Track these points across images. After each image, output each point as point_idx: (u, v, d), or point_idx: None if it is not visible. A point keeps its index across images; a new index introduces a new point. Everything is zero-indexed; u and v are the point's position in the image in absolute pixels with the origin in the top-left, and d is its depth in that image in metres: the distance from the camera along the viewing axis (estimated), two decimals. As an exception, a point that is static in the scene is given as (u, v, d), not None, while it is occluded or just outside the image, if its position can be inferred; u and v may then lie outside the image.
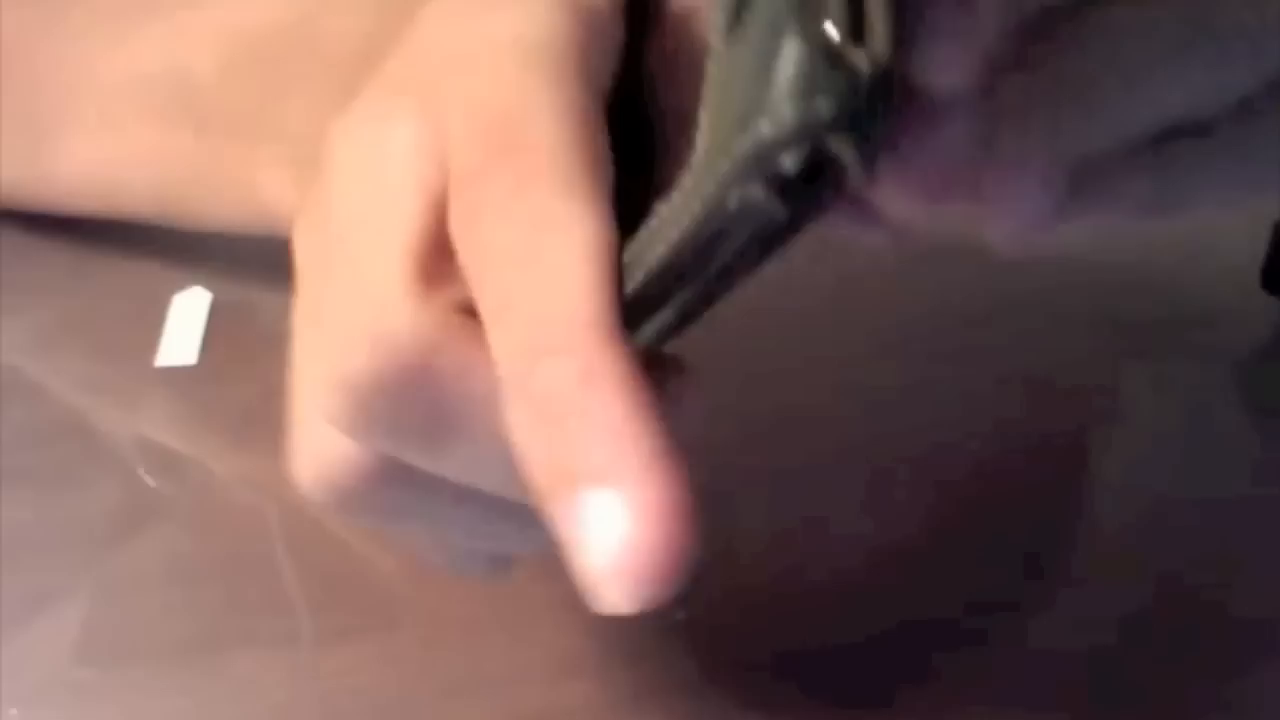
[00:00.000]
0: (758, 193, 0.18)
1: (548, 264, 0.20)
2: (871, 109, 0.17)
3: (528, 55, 0.22)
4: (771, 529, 0.33)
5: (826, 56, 0.17)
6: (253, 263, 0.38)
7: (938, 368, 0.37)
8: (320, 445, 0.23)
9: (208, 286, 0.39)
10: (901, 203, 0.19)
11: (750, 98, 0.17)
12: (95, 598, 0.31)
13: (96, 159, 0.38)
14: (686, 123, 0.21)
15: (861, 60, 0.17)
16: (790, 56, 0.17)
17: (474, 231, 0.21)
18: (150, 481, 0.34)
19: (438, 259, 0.21)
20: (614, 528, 0.19)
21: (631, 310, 0.20)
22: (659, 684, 0.30)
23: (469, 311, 0.21)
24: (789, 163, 0.17)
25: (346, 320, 0.22)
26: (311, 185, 0.27)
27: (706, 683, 0.30)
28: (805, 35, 0.17)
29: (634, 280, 0.20)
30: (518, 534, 0.24)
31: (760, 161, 0.17)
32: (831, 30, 0.17)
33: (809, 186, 0.18)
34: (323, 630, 0.31)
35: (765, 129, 0.17)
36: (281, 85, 0.34)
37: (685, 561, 0.19)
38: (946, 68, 0.17)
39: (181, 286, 0.39)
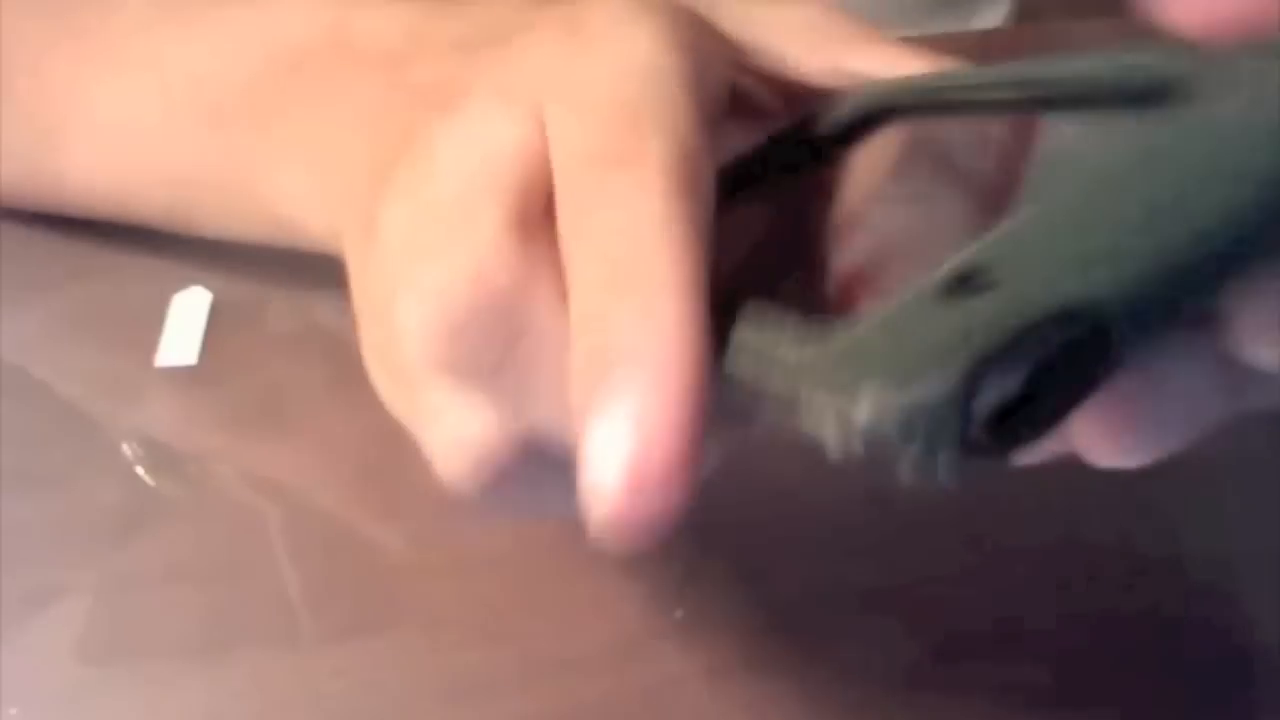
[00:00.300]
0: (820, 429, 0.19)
1: (643, 256, 0.21)
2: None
3: (645, 78, 0.24)
4: (772, 527, 0.33)
5: (962, 433, 0.17)
6: (254, 262, 0.38)
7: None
8: (458, 432, 0.24)
9: (208, 286, 0.39)
10: None
11: (880, 358, 0.18)
12: (95, 597, 0.31)
13: (106, 163, 0.37)
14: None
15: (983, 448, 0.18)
16: (939, 393, 0.17)
17: (578, 220, 0.23)
18: (150, 481, 0.34)
19: (534, 228, 0.23)
20: (625, 433, 0.20)
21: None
22: (659, 684, 0.30)
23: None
24: (853, 442, 0.18)
25: (445, 263, 0.23)
26: (339, 193, 0.28)
27: (707, 682, 0.30)
28: (961, 386, 0.17)
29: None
30: None
31: (838, 419, 0.18)
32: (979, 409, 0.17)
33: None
34: (323, 630, 0.31)
35: (859, 412, 0.18)
36: (311, 91, 0.34)
37: (676, 502, 0.20)
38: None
39: (181, 286, 0.39)
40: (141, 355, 0.37)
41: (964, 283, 0.18)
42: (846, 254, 0.25)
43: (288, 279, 0.37)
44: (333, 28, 0.34)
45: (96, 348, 0.38)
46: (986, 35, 0.64)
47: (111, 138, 0.37)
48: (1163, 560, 0.33)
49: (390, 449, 0.35)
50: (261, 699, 0.30)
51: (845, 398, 0.18)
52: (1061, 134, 0.23)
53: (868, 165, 0.27)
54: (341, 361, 0.35)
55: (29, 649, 0.30)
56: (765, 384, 0.20)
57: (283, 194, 0.34)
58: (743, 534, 0.33)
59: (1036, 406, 0.18)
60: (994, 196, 0.23)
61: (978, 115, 0.25)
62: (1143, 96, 0.21)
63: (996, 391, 0.17)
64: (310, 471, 0.34)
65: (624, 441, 0.20)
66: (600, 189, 0.23)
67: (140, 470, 0.34)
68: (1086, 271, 0.18)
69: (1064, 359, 0.17)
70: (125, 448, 0.35)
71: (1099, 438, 0.20)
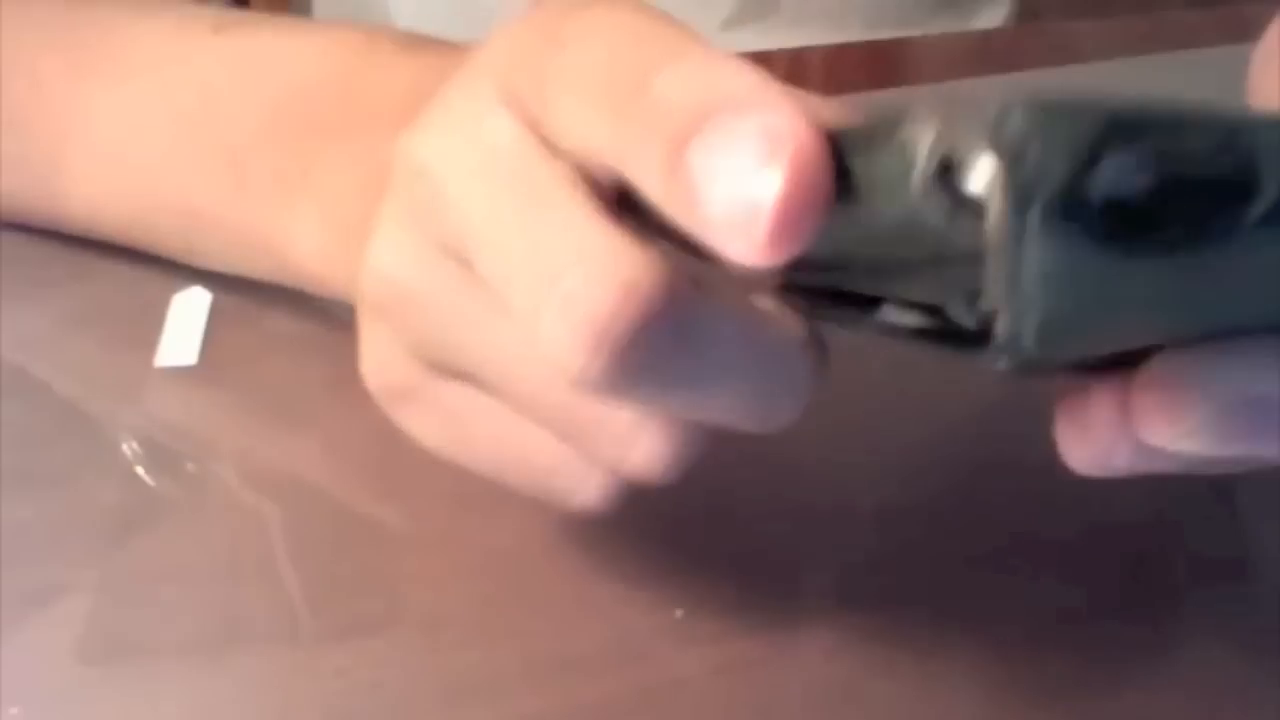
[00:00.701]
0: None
1: (643, 42, 0.21)
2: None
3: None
4: (773, 528, 0.33)
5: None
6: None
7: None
8: (590, 320, 0.22)
9: (208, 286, 0.39)
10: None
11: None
12: (96, 597, 0.31)
13: (109, 190, 0.37)
14: None
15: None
16: (1069, 125, 0.16)
17: (555, 62, 0.23)
18: (150, 481, 0.34)
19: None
20: (755, 151, 0.19)
21: None
22: (659, 684, 0.30)
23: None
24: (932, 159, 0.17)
25: (577, 286, 0.21)
26: (346, 249, 0.28)
27: (707, 682, 0.30)
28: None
29: None
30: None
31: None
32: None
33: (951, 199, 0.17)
34: (323, 630, 0.31)
35: (972, 127, 0.17)
36: (320, 143, 0.34)
37: (816, 208, 0.19)
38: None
39: (181, 286, 0.39)
40: (141, 355, 0.37)
41: None
42: None
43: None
44: (341, 76, 0.35)
45: (96, 348, 0.38)
46: (987, 35, 0.64)
47: (114, 164, 0.37)
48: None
49: (390, 448, 0.35)
50: (261, 699, 0.29)
51: (959, 115, 0.17)
52: None
53: None
54: (342, 361, 0.35)
55: (29, 649, 0.30)
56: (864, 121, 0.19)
57: (295, 245, 0.34)
58: (743, 534, 0.33)
59: (1149, 225, 0.16)
60: None
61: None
62: None
63: (1123, 175, 0.16)
64: (311, 471, 0.34)
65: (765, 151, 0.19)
66: (561, 34, 0.22)
67: (140, 470, 0.34)
68: (1259, 123, 0.17)
69: (1198, 189, 0.16)
70: (125, 448, 0.35)
71: (1158, 408, 0.20)
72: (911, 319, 0.21)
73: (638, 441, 0.25)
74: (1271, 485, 0.34)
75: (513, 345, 0.25)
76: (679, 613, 0.31)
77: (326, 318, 0.37)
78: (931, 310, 0.21)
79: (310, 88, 0.35)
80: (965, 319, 0.19)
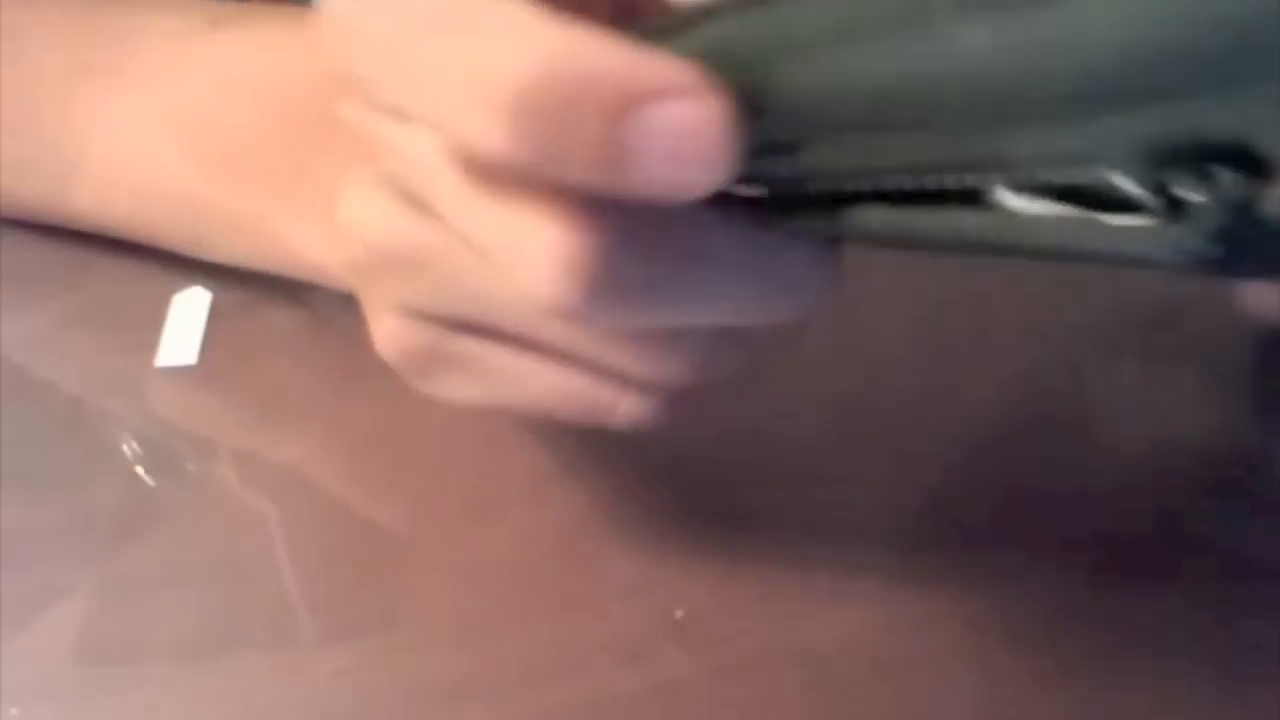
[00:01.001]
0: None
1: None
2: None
3: None
4: (773, 530, 0.33)
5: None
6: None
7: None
8: (556, 250, 0.22)
9: (208, 286, 0.39)
10: None
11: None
12: (95, 597, 0.31)
13: (125, 199, 0.38)
14: None
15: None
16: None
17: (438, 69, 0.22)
18: (150, 481, 0.34)
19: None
20: (675, 118, 0.20)
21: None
22: (659, 684, 0.30)
23: None
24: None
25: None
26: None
27: (707, 682, 0.30)
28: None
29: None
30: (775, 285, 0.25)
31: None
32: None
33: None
34: (323, 630, 0.31)
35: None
36: (319, 135, 0.34)
37: (731, 146, 0.20)
38: None
39: (181, 286, 0.39)
40: (141, 355, 0.37)
41: None
42: None
43: (287, 278, 0.37)
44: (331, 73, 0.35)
45: (96, 348, 0.38)
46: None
47: (122, 161, 0.37)
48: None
49: (390, 448, 0.35)
50: (261, 699, 0.30)
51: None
52: None
53: None
54: (341, 361, 0.35)
55: (29, 648, 0.30)
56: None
57: (299, 236, 0.34)
58: (742, 535, 0.33)
59: None
60: None
61: None
62: None
63: None
64: (310, 471, 0.34)
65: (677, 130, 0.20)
66: (452, 44, 0.22)
67: (140, 470, 0.34)
68: None
69: None
70: (125, 448, 0.35)
71: None
72: (1027, 202, 0.21)
73: (650, 356, 0.25)
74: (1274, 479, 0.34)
75: (499, 288, 0.25)
76: (679, 613, 0.31)
77: (326, 318, 0.37)
78: (1056, 192, 0.20)
79: (308, 79, 0.35)
80: (1136, 189, 0.19)
